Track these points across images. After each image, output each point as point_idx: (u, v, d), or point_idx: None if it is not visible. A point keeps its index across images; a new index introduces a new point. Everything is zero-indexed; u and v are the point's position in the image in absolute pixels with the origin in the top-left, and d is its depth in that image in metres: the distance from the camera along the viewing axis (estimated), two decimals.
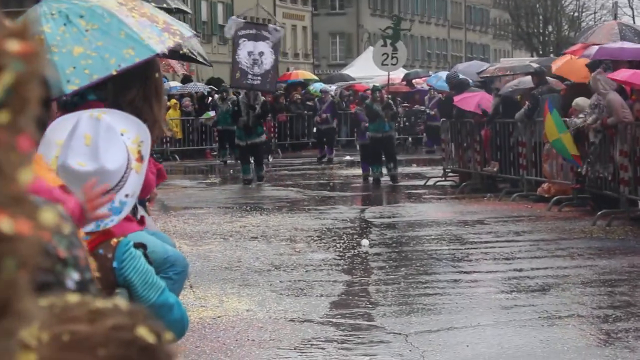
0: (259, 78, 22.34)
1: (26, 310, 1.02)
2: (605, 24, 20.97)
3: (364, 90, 37.29)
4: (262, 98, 23.18)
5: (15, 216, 0.98)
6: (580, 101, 16.51)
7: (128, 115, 4.43)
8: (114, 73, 4.81)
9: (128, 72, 4.88)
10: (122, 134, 4.25)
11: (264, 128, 24.31)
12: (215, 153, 32.64)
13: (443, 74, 34.81)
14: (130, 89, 4.91)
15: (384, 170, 22.52)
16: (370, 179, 22.79)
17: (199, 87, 35.74)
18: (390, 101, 22.65)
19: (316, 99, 33.48)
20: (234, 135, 29.94)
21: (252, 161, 23.07)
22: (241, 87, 22.99)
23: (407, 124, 37.05)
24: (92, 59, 4.82)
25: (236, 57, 22.49)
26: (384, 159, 22.46)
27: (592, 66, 16.94)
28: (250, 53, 22.18)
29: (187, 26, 5.73)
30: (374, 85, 23.84)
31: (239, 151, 23.52)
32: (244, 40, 22.24)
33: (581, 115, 16.10)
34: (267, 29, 22.95)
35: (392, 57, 24.62)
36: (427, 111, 34.13)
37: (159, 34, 5.04)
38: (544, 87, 18.35)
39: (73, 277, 1.45)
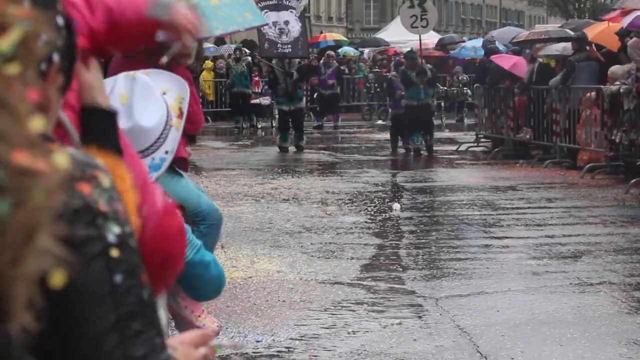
0: (290, 46, 22.15)
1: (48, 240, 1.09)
2: None
3: (394, 54, 37.02)
4: (297, 61, 22.75)
5: (32, 155, 1.05)
6: (616, 69, 16.37)
7: (171, 74, 4.48)
8: (242, 30, 5.08)
9: None
10: (164, 93, 4.28)
11: (303, 92, 23.95)
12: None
13: (468, 43, 34.66)
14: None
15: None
16: (404, 149, 21.75)
17: (233, 48, 35.66)
18: (425, 67, 21.39)
19: (321, 63, 32.33)
20: (249, 98, 29.72)
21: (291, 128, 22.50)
22: (273, 57, 22.78)
23: (378, 90, 35.81)
24: (225, 13, 5.07)
25: (261, 29, 22.36)
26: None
27: (622, 34, 16.78)
28: (275, 23, 22.00)
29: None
30: (409, 50, 22.88)
31: (280, 117, 22.82)
32: (266, 12, 22.07)
33: (617, 83, 15.98)
34: None
35: (422, 19, 23.99)
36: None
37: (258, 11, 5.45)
38: (582, 55, 18.20)
39: (114, 230, 1.47)
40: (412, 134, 21.30)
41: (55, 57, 1.45)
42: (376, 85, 34.82)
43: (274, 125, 28.75)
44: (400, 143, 22.07)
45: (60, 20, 1.48)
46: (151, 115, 4.19)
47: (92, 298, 1.43)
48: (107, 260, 1.45)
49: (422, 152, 21.20)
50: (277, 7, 22.17)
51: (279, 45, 22.14)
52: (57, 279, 1.17)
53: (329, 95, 31.20)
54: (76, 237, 1.40)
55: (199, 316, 6.32)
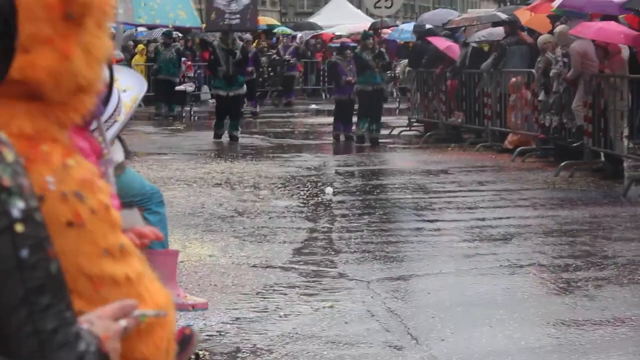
0: (238, 16, 20.92)
1: None
2: None
3: (330, 39, 36.96)
4: (241, 43, 21.41)
5: None
6: (547, 37, 16.46)
7: (135, 73, 4.61)
8: (170, 27, 5.07)
9: None
10: (124, 91, 4.35)
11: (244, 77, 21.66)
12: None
13: (406, 26, 34.65)
14: None
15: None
16: (342, 137, 20.48)
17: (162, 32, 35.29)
18: (382, 50, 20.18)
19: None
20: (174, 86, 28.74)
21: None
22: (219, 30, 21.50)
23: (272, 74, 35.49)
24: (158, 5, 5.07)
25: None
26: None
27: (554, 17, 16.91)
28: None
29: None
30: (365, 31, 21.58)
31: (217, 103, 21.25)
32: None
33: (555, 69, 15.84)
34: None
35: (387, 0, 23.45)
36: (288, 58, 33.16)
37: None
38: (513, 38, 18.35)
39: (18, 205, 1.46)
40: (359, 119, 20.03)
41: None
42: (269, 69, 34.41)
43: (193, 113, 28.29)
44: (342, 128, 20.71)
45: None
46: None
47: None
48: (12, 235, 1.44)
49: (365, 142, 19.83)
50: None
51: (226, 16, 20.76)
52: None
53: (248, 81, 30.17)
54: None
55: (186, 297, 6.60)
